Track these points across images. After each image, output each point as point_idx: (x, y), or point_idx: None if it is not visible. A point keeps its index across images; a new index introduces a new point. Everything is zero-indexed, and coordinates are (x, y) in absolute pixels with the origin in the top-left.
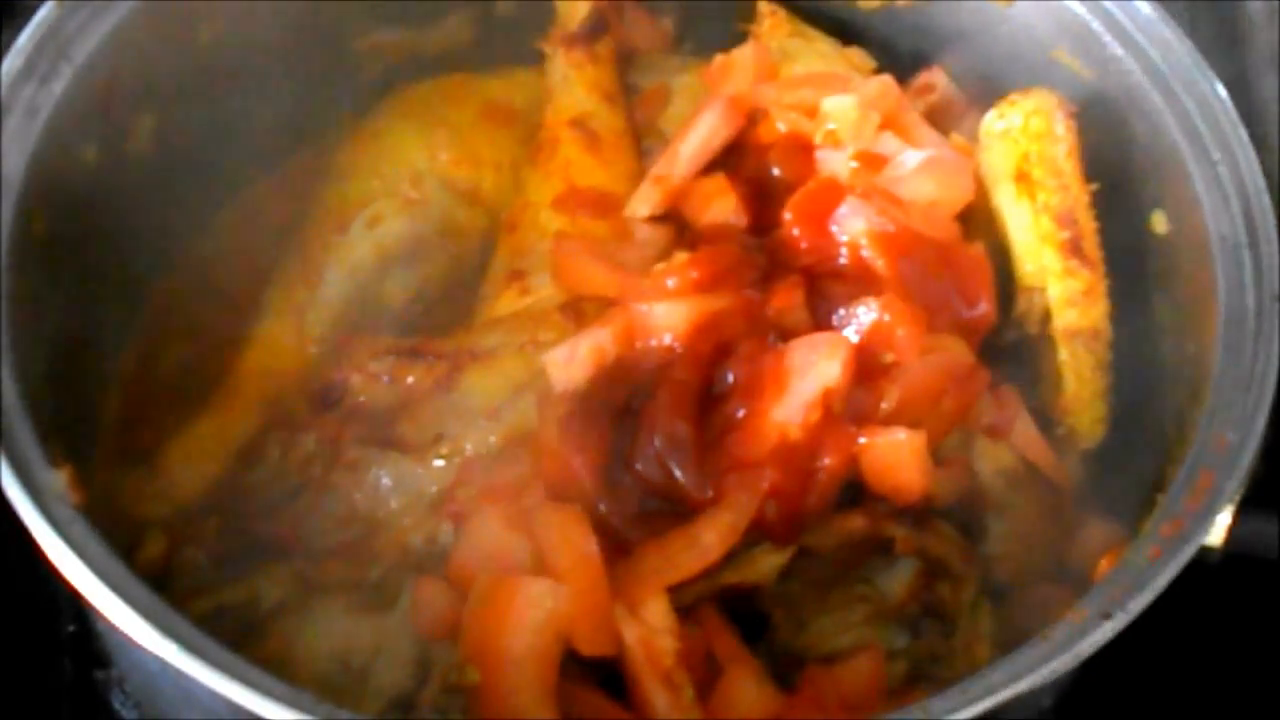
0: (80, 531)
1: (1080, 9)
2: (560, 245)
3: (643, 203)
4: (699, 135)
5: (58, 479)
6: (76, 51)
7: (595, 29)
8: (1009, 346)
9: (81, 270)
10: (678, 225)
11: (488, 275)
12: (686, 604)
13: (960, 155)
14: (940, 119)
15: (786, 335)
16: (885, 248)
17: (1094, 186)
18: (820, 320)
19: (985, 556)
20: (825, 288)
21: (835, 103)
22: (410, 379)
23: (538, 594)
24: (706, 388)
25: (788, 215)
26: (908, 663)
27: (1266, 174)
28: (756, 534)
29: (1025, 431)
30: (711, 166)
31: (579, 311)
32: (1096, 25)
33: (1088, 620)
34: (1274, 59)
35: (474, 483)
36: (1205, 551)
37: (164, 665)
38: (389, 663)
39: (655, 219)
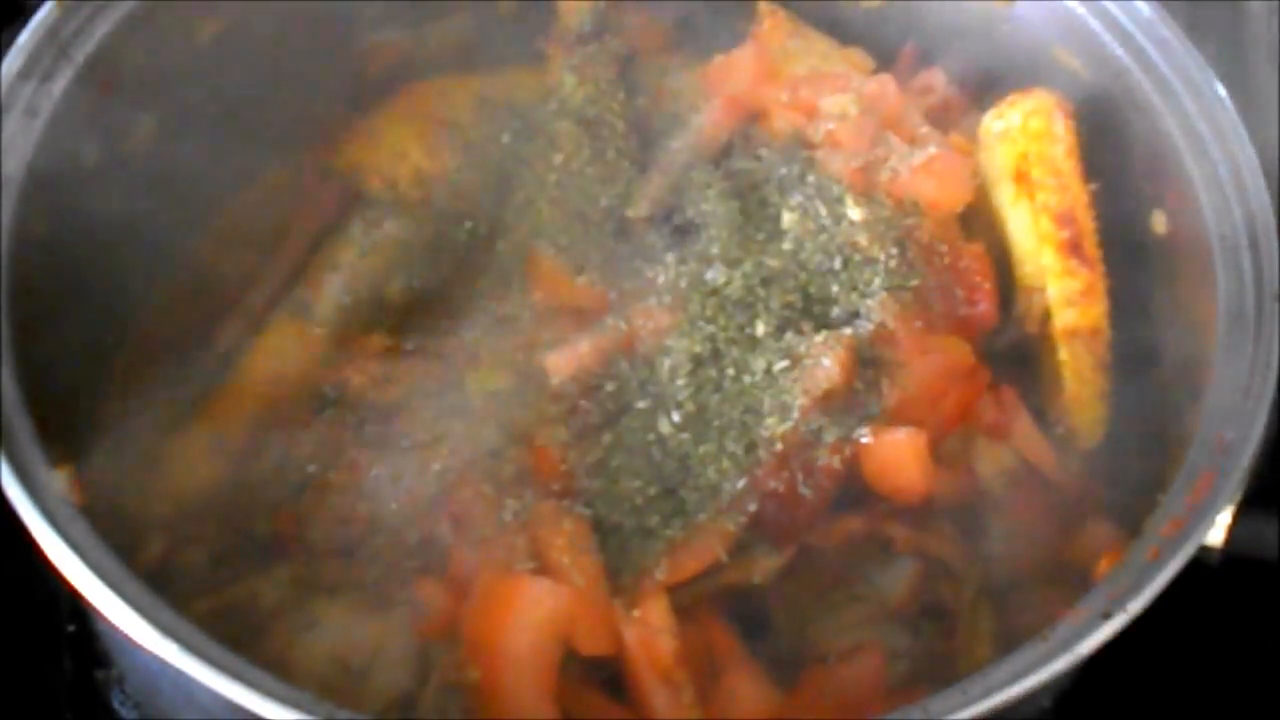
0: (80, 531)
1: (1080, 9)
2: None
3: (641, 202)
4: (698, 135)
5: (58, 479)
6: (76, 51)
7: (595, 29)
8: (1009, 346)
9: (81, 270)
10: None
11: (488, 275)
12: (686, 604)
13: (960, 155)
14: (940, 119)
15: None
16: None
17: (1094, 186)
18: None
19: (985, 556)
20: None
21: (835, 103)
22: (410, 379)
23: (538, 594)
24: None
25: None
26: (908, 663)
27: (1266, 174)
28: (756, 534)
29: (1025, 431)
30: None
31: (579, 311)
32: (1096, 25)
33: (1088, 620)
34: (1274, 59)
35: (474, 483)
36: (1205, 551)
37: (164, 665)
38: (389, 663)
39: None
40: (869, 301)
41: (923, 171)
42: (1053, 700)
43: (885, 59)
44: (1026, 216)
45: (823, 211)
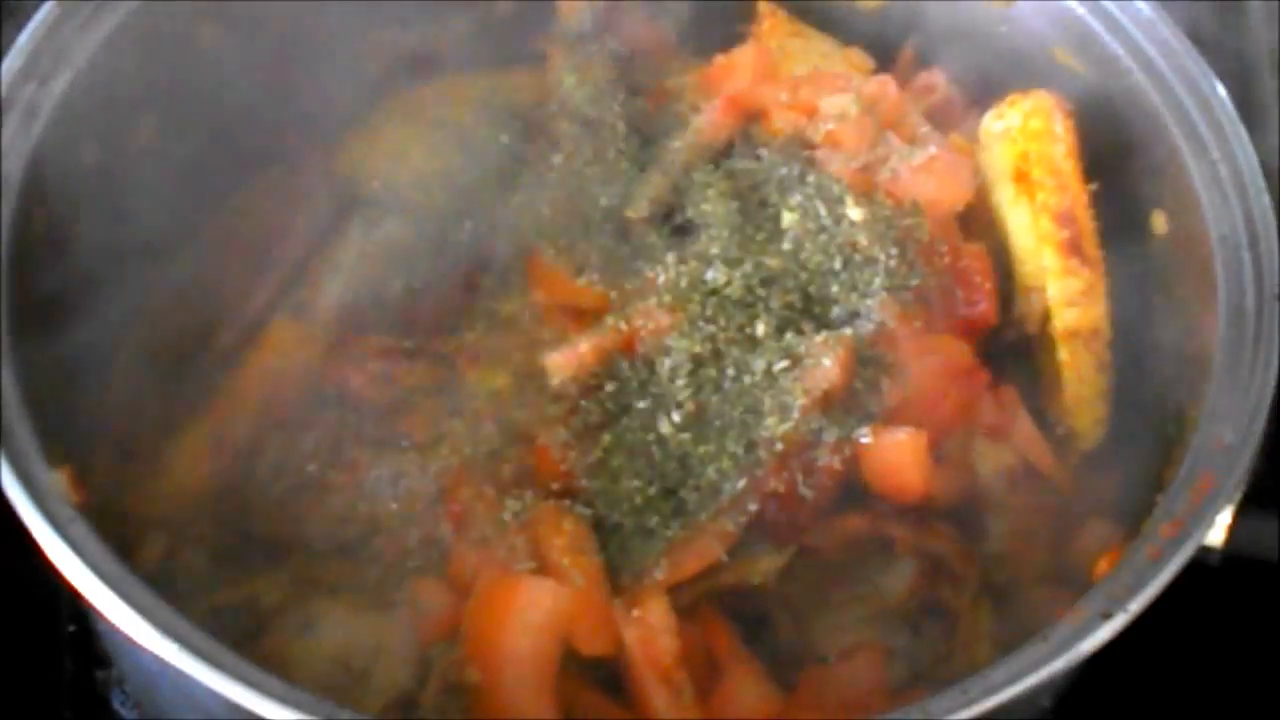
0: (80, 531)
1: (1080, 9)
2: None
3: (641, 202)
4: (698, 135)
5: (58, 479)
6: (76, 51)
7: (595, 29)
8: (1009, 346)
9: (81, 270)
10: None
11: (488, 275)
12: (686, 604)
13: (960, 155)
14: (940, 119)
15: None
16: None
17: (1094, 186)
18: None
19: (985, 556)
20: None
21: (835, 103)
22: (410, 379)
23: (538, 594)
24: None
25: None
26: (908, 663)
27: (1266, 174)
28: (756, 534)
29: (1025, 431)
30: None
31: (579, 311)
32: (1096, 25)
33: (1088, 620)
34: (1274, 59)
35: (474, 483)
36: (1205, 551)
37: (164, 665)
38: (389, 663)
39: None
40: (869, 301)
41: (923, 171)
42: (1053, 700)
43: (885, 59)
44: (1026, 216)
45: (823, 211)
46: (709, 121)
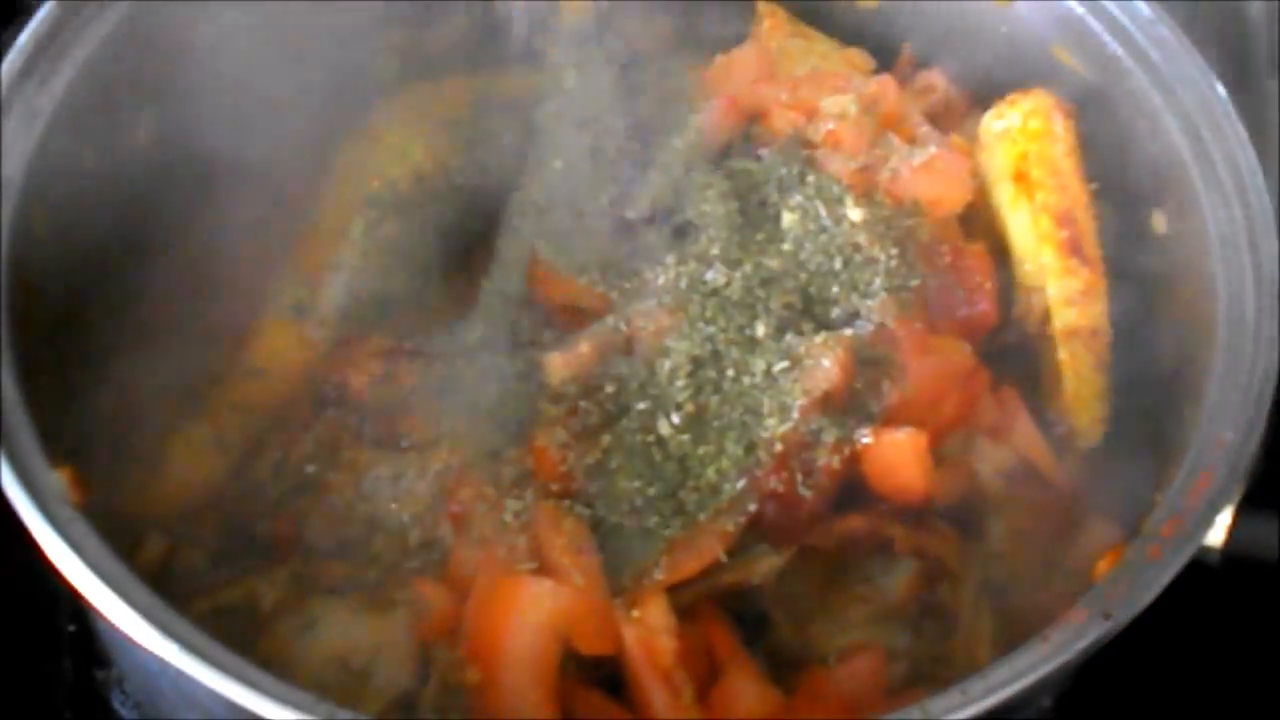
0: (80, 531)
1: (1080, 9)
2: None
3: (641, 202)
4: (698, 135)
5: (58, 479)
6: (76, 51)
7: (595, 29)
8: (1009, 346)
9: (81, 270)
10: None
11: (488, 275)
12: (686, 604)
13: (960, 155)
14: (940, 119)
15: None
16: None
17: (1094, 186)
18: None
19: (985, 556)
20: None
21: (835, 103)
22: (410, 379)
23: (538, 594)
24: None
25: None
26: (908, 663)
27: (1266, 174)
28: (756, 534)
29: (1025, 431)
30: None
31: (579, 311)
32: (1096, 25)
33: (1088, 620)
34: (1274, 59)
35: (474, 483)
36: (1205, 551)
37: (164, 665)
38: (389, 663)
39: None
40: (869, 302)
41: (923, 171)
42: (1053, 700)
43: (885, 59)
44: (1026, 216)
45: (823, 212)
46: (709, 121)
